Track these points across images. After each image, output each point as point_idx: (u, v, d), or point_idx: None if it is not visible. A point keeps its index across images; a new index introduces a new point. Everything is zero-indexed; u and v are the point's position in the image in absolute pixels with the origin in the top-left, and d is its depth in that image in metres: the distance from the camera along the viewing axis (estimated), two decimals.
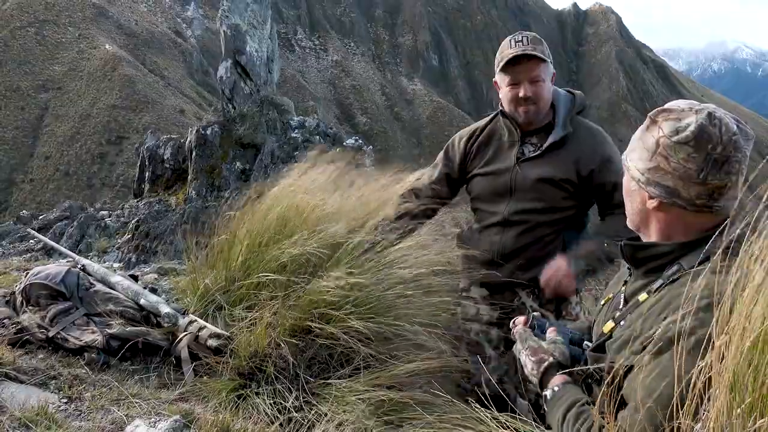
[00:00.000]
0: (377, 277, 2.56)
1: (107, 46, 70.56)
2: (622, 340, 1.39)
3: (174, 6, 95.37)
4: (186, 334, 2.58)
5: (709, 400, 1.10)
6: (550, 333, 1.61)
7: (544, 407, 1.49)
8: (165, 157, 15.92)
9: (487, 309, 2.65)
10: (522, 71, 2.44)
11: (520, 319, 1.70)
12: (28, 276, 2.87)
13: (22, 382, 2.26)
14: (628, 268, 1.54)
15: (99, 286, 2.89)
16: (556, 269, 2.42)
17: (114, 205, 18.96)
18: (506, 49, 2.45)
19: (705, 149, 1.29)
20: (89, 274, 2.98)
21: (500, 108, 2.62)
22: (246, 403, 2.28)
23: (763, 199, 1.08)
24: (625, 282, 1.54)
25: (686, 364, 1.13)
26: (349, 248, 2.67)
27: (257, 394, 2.30)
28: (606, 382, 1.30)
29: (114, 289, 2.90)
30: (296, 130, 15.09)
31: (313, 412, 2.19)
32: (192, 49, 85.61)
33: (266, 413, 2.21)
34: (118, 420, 2.09)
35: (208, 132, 14.75)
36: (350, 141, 15.49)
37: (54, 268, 2.92)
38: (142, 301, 2.79)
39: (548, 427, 1.49)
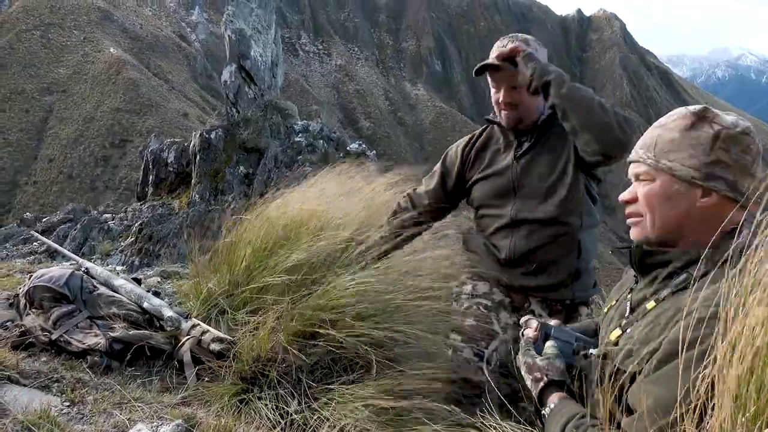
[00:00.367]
0: (385, 283, 2.55)
1: (112, 50, 70.87)
2: (628, 348, 1.38)
3: (179, 10, 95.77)
4: (189, 338, 2.58)
5: (713, 409, 1.10)
6: (547, 346, 1.59)
7: (544, 423, 1.48)
8: (169, 161, 15.96)
9: (499, 292, 2.61)
10: (501, 77, 2.45)
11: (531, 325, 1.68)
12: (31, 278, 2.88)
13: (24, 385, 2.26)
14: (635, 276, 1.53)
15: (102, 289, 2.90)
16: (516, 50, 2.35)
17: (117, 208, 18.99)
18: (491, 52, 2.48)
19: (756, 141, 1.37)
20: (93, 277, 2.98)
21: (490, 117, 2.64)
22: (248, 408, 2.28)
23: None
24: (631, 289, 1.53)
25: (692, 374, 1.13)
26: (355, 254, 2.67)
27: (260, 398, 2.30)
28: (611, 388, 1.30)
29: (117, 293, 2.90)
30: (300, 135, 15.12)
31: (315, 417, 2.19)
32: (196, 53, 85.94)
33: (268, 418, 2.21)
34: (120, 424, 2.08)
35: (212, 136, 14.79)
36: (354, 145, 15.51)
37: (57, 270, 2.93)
38: (145, 305, 2.79)
39: None
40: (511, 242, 2.53)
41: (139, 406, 2.20)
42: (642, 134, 1.50)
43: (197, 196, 14.18)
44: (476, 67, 2.48)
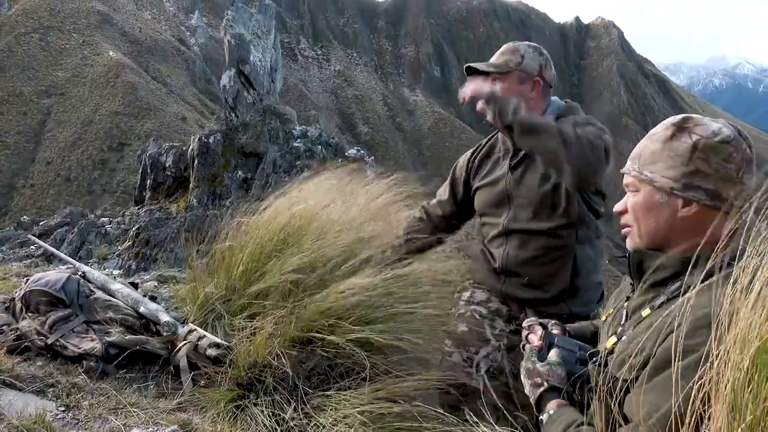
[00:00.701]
0: (384, 288, 2.55)
1: (111, 53, 70.95)
2: (623, 355, 1.39)
3: (178, 14, 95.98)
4: (185, 344, 2.57)
5: (709, 418, 1.10)
6: (551, 355, 1.59)
7: (541, 429, 1.48)
8: (167, 165, 15.95)
9: (497, 300, 2.61)
10: (487, 77, 2.49)
11: (536, 331, 1.68)
12: (28, 282, 2.87)
13: (20, 390, 2.25)
14: (631, 283, 1.54)
15: (99, 294, 2.89)
16: (476, 85, 2.39)
17: (115, 211, 18.99)
18: (493, 57, 2.54)
19: (742, 148, 1.36)
20: (89, 281, 2.97)
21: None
22: (244, 414, 2.27)
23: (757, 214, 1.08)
24: (628, 297, 1.54)
25: (687, 382, 1.13)
26: (354, 260, 2.67)
27: (256, 404, 2.29)
28: (607, 396, 1.30)
29: (114, 297, 2.89)
30: (298, 140, 15.13)
31: (311, 423, 2.19)
32: (195, 57, 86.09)
33: (264, 424, 2.20)
34: (115, 429, 2.08)
35: (211, 140, 14.79)
36: (352, 151, 15.53)
37: (54, 274, 2.92)
38: (141, 309, 2.78)
39: None
40: (504, 251, 2.54)
41: (134, 412, 2.20)
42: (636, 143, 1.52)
43: (195, 200, 14.17)
44: (465, 66, 2.54)
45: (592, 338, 1.75)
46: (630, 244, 1.50)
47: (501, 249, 2.55)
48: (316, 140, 15.27)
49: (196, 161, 14.64)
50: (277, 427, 2.19)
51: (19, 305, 2.80)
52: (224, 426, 2.11)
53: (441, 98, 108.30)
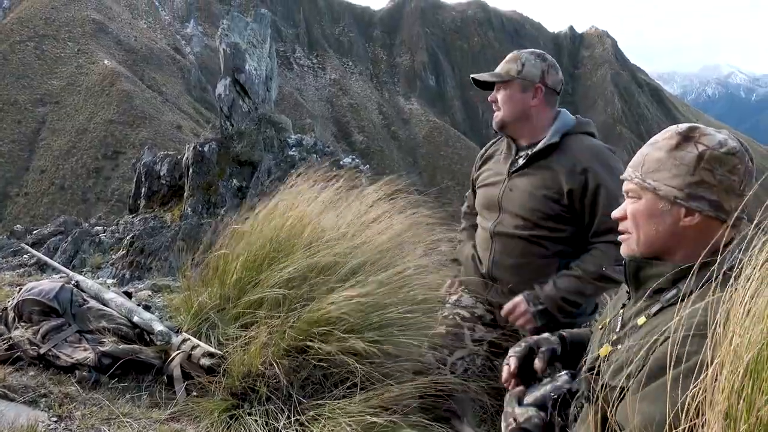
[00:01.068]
0: (378, 297, 2.55)
1: (106, 62, 70.96)
2: (618, 364, 1.39)
3: (174, 23, 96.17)
4: (179, 353, 2.56)
5: (703, 427, 1.10)
6: (527, 398, 1.60)
7: None
8: (161, 173, 15.91)
9: (483, 308, 2.62)
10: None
11: (511, 363, 1.68)
12: (21, 291, 2.85)
13: (11, 400, 2.24)
14: (627, 292, 1.54)
15: (92, 303, 2.88)
16: (514, 306, 2.41)
17: (109, 220, 18.91)
18: (499, 66, 2.56)
19: (745, 161, 1.36)
20: (83, 291, 2.96)
21: None
22: (238, 424, 2.26)
23: (758, 225, 1.09)
24: (624, 305, 1.54)
25: (681, 390, 1.13)
26: (348, 268, 2.67)
27: (249, 414, 2.28)
28: (602, 404, 1.30)
29: (107, 306, 2.88)
30: (293, 148, 15.13)
31: None
32: (190, 66, 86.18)
33: None
34: None
35: (206, 149, 14.77)
36: (347, 159, 15.53)
37: (47, 283, 2.91)
38: (135, 319, 2.77)
39: None
40: (491, 256, 2.54)
41: (127, 422, 2.18)
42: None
43: (190, 209, 14.12)
44: (472, 77, 2.57)
45: (584, 347, 1.75)
46: (625, 250, 1.49)
47: (487, 252, 2.56)
48: (312, 149, 15.27)
49: (190, 170, 14.61)
50: None
51: (11, 315, 2.78)
52: None
53: (436, 107, 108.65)
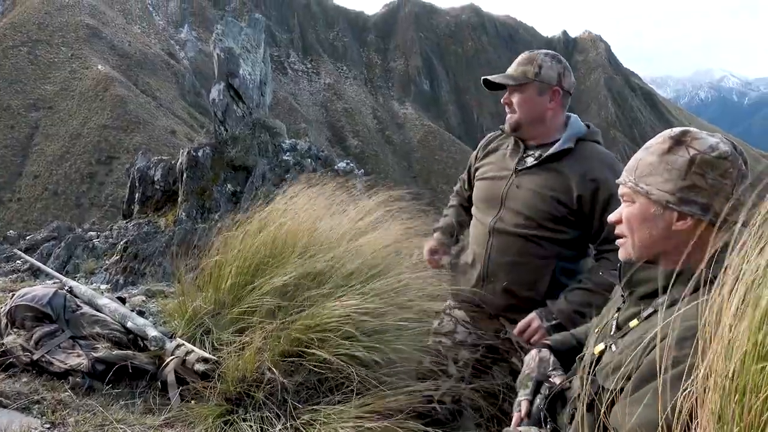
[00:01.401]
0: (375, 303, 2.54)
1: (100, 67, 70.83)
2: (611, 366, 1.39)
3: (168, 28, 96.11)
4: (173, 358, 2.55)
5: (696, 429, 1.10)
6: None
7: None
8: (155, 178, 15.88)
9: (463, 330, 2.62)
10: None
11: (524, 409, 1.69)
12: (13, 297, 2.84)
13: (4, 407, 2.22)
14: (622, 295, 1.55)
15: (86, 309, 2.86)
16: (528, 323, 2.40)
17: (102, 225, 18.84)
18: (511, 66, 2.53)
19: (738, 164, 1.36)
20: (76, 296, 2.95)
21: None
22: (233, 429, 2.25)
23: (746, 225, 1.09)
24: (619, 308, 1.55)
25: (673, 393, 1.13)
26: (343, 274, 2.67)
27: (244, 420, 2.27)
28: (597, 406, 1.30)
29: (101, 312, 2.87)
30: (288, 153, 15.13)
31: None
32: (185, 71, 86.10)
33: None
34: None
35: (200, 154, 14.76)
36: (342, 164, 15.54)
37: (40, 289, 2.89)
38: (129, 324, 2.76)
39: None
40: (487, 251, 2.53)
41: (121, 428, 2.17)
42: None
43: (184, 214, 14.10)
44: (483, 79, 2.53)
45: (573, 350, 1.75)
46: (622, 254, 1.50)
47: (482, 249, 2.54)
48: (306, 153, 15.28)
49: (185, 175, 14.59)
50: None
51: (4, 321, 2.77)
52: None
53: (430, 111, 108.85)
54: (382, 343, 2.45)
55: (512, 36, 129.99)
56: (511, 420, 1.67)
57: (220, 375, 2.42)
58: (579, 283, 2.40)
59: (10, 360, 2.55)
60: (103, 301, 2.93)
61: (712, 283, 1.18)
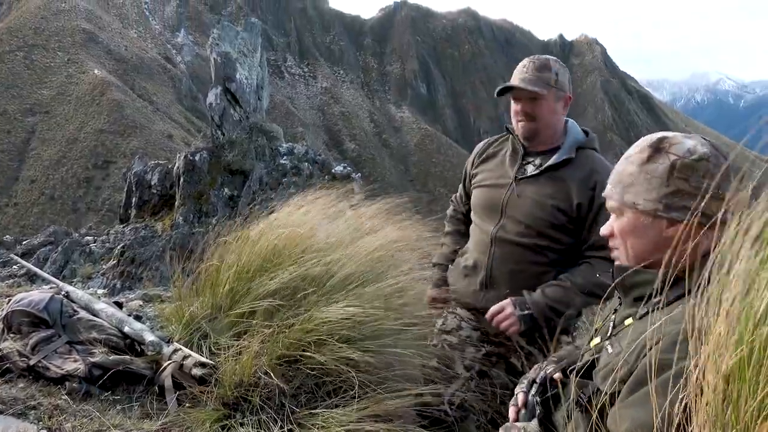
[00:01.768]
0: (373, 307, 2.55)
1: (96, 71, 70.76)
2: (608, 368, 1.39)
3: (164, 32, 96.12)
4: (170, 363, 2.54)
5: None
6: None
7: None
8: (152, 183, 15.86)
9: (468, 327, 2.63)
10: (521, 91, 2.46)
11: (521, 400, 1.69)
12: (10, 303, 2.83)
13: (1, 412, 2.21)
14: (619, 297, 1.55)
15: (83, 314, 2.86)
16: (500, 309, 2.42)
17: (99, 230, 18.80)
18: (516, 71, 2.50)
19: (720, 163, 1.36)
20: (73, 301, 2.94)
21: (509, 126, 2.63)
22: None
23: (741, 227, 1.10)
24: (615, 310, 1.55)
25: (667, 396, 1.13)
26: (340, 278, 2.67)
27: (242, 424, 2.27)
28: (590, 409, 1.30)
29: (98, 317, 2.86)
30: (285, 157, 15.13)
31: None
32: (181, 75, 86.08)
33: None
34: None
35: (197, 158, 14.74)
36: (339, 168, 15.54)
37: (37, 294, 2.88)
38: (126, 329, 2.76)
39: None
40: (489, 259, 2.54)
41: None
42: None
43: (181, 218, 14.08)
44: (503, 86, 2.49)
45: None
46: (618, 262, 1.51)
47: (484, 256, 2.55)
48: (303, 157, 15.28)
49: (181, 179, 14.57)
50: None
51: (0, 326, 2.76)
52: None
53: (427, 115, 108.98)
54: (379, 346, 2.45)
55: (509, 40, 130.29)
56: (508, 419, 1.67)
57: (218, 379, 2.41)
58: (558, 281, 2.43)
59: (7, 365, 2.54)
60: (100, 305, 2.93)
61: (707, 283, 1.18)
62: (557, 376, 1.67)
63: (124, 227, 15.44)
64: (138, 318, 2.99)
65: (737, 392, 1.03)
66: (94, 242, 15.19)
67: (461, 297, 2.66)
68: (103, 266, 13.40)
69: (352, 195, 3.40)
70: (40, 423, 2.19)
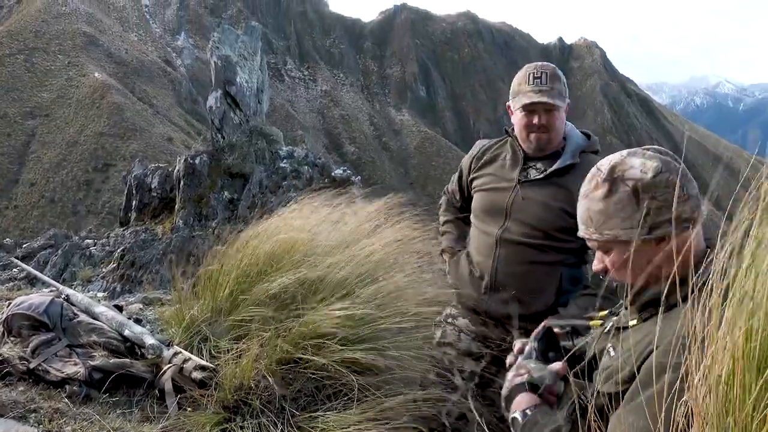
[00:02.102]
0: (373, 309, 2.55)
1: (96, 74, 70.83)
2: (609, 370, 1.39)
3: (164, 36, 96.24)
4: (170, 366, 2.55)
5: None
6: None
7: (512, 430, 1.48)
8: (152, 186, 15.85)
9: (467, 339, 2.63)
10: (539, 105, 2.45)
11: (517, 347, 1.69)
12: (10, 306, 2.83)
13: (1, 416, 2.21)
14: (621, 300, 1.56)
15: (83, 317, 2.86)
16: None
17: (99, 233, 18.78)
18: (524, 84, 2.44)
19: (674, 168, 1.38)
20: (73, 305, 2.94)
21: (508, 129, 2.62)
22: None
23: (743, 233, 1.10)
24: (620, 312, 1.56)
25: (669, 400, 1.13)
26: (340, 281, 2.67)
27: (242, 428, 2.27)
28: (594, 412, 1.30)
29: (98, 320, 2.86)
30: (285, 160, 15.13)
31: None
32: (181, 78, 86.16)
33: None
34: None
35: (197, 161, 14.74)
36: (338, 171, 15.53)
37: (37, 298, 2.89)
38: (126, 332, 2.76)
39: None
40: (494, 262, 2.52)
41: None
42: None
43: (181, 221, 14.07)
44: (525, 103, 2.44)
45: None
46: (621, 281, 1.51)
47: (490, 259, 2.54)
48: (303, 161, 15.27)
49: (182, 182, 14.57)
50: None
51: (0, 329, 2.76)
52: None
53: (427, 118, 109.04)
54: (379, 348, 2.45)
55: (508, 43, 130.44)
56: (509, 428, 1.67)
57: (218, 383, 2.41)
58: (586, 290, 2.43)
59: (7, 369, 2.54)
60: (100, 309, 2.93)
61: (710, 289, 1.18)
62: (557, 330, 1.68)
63: (124, 230, 15.44)
64: (138, 321, 2.99)
65: (738, 396, 1.04)
66: (94, 245, 15.19)
67: (465, 300, 2.65)
68: (103, 269, 13.38)
69: (352, 198, 3.40)
70: (41, 426, 2.19)
